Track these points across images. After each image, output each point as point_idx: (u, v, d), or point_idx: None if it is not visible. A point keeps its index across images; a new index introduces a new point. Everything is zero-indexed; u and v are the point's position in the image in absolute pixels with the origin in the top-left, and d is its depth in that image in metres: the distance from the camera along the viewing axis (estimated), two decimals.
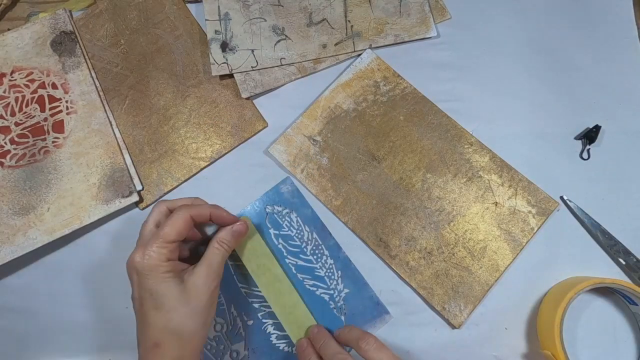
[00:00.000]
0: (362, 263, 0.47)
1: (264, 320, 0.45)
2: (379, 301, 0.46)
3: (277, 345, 0.45)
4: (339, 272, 0.46)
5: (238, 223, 0.41)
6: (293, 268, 0.46)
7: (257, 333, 0.45)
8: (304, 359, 0.41)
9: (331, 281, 0.46)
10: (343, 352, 0.39)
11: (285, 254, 0.47)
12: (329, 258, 0.47)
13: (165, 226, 0.37)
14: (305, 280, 0.46)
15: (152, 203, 0.49)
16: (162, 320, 0.35)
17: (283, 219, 0.48)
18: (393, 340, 0.45)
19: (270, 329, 0.45)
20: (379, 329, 0.45)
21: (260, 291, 0.46)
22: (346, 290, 0.46)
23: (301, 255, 0.47)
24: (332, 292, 0.46)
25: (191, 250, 0.42)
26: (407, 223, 0.47)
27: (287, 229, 0.47)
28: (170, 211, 0.39)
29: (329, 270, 0.46)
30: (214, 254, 0.39)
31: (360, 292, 0.46)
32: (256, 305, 0.46)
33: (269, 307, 0.45)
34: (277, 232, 0.47)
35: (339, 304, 0.45)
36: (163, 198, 0.49)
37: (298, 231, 0.47)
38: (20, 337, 0.46)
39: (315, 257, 0.47)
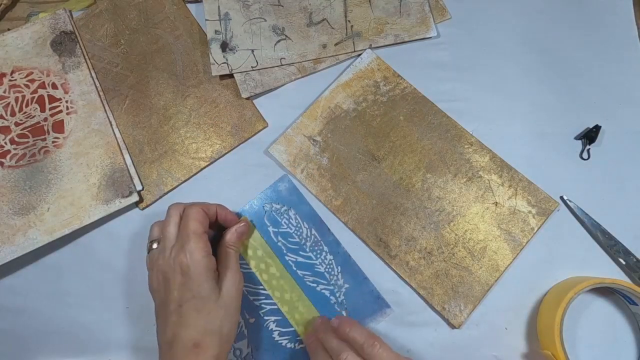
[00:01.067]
0: (362, 263, 0.47)
1: (265, 318, 0.45)
2: (379, 295, 0.46)
3: (279, 342, 0.45)
4: (339, 267, 0.46)
5: (241, 224, 0.44)
6: (293, 265, 0.46)
7: (260, 330, 0.45)
8: (311, 350, 0.41)
9: (331, 277, 0.46)
10: (345, 348, 0.38)
11: (284, 251, 0.47)
12: (328, 254, 0.47)
13: (188, 222, 0.39)
14: (306, 276, 0.46)
15: (152, 203, 0.49)
16: (202, 322, 0.37)
17: (282, 217, 0.48)
18: (393, 340, 0.45)
19: (272, 326, 0.45)
20: (379, 322, 0.45)
21: (261, 289, 0.46)
22: (346, 285, 0.46)
23: (301, 252, 0.47)
24: (332, 287, 0.46)
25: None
26: (407, 223, 0.47)
27: (285, 226, 0.47)
28: None
29: (328, 266, 0.46)
30: (229, 257, 0.41)
31: (361, 287, 0.46)
32: (258, 303, 0.46)
33: (270, 304, 0.45)
34: (276, 229, 0.47)
35: (339, 299, 0.46)
36: (163, 198, 0.49)
37: (297, 228, 0.47)
38: (20, 337, 0.46)
39: (314, 253, 0.47)
